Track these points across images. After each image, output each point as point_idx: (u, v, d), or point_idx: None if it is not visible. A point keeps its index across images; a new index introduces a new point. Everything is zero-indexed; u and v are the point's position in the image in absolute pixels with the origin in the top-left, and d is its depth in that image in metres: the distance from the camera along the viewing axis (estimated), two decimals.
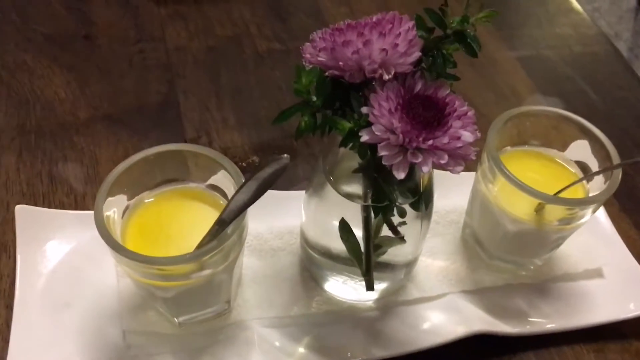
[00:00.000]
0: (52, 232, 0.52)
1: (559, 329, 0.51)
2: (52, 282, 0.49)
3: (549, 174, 0.50)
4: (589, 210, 0.47)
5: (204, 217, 0.45)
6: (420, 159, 0.36)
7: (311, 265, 0.52)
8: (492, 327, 0.50)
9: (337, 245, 0.48)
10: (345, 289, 0.51)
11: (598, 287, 0.54)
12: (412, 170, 0.37)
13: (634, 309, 0.52)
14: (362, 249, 0.45)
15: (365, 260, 0.46)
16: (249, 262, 0.52)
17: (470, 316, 0.50)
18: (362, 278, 0.49)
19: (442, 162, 0.36)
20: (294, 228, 0.55)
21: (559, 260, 0.55)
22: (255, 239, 0.54)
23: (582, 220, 0.48)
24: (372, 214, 0.43)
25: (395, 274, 0.51)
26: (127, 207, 0.45)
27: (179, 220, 0.46)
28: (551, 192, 0.46)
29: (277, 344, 0.48)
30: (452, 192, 0.56)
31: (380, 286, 0.50)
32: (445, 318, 0.50)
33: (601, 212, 0.58)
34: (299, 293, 0.51)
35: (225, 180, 0.45)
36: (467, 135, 0.37)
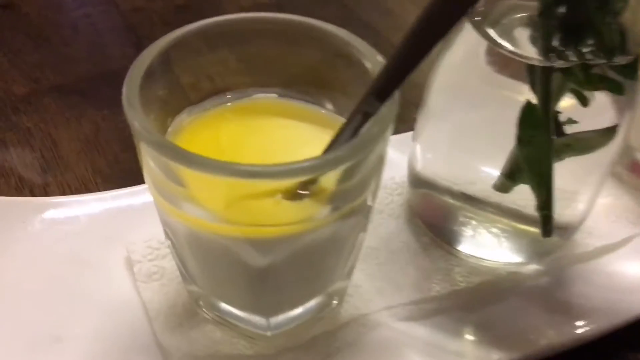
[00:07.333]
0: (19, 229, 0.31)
1: None
2: (29, 308, 0.28)
3: None
4: None
5: (299, 135, 0.26)
6: None
7: (442, 221, 0.33)
8: None
9: (489, 175, 0.30)
10: (497, 246, 0.33)
11: None
12: None
13: None
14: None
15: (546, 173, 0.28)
16: None
17: None
18: (521, 226, 0.31)
19: None
20: (386, 182, 0.36)
21: None
22: None
23: None
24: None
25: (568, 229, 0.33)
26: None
27: (261, 142, 0.26)
28: None
29: (431, 339, 0.29)
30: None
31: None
32: None
33: None
34: (427, 265, 0.32)
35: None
36: None
